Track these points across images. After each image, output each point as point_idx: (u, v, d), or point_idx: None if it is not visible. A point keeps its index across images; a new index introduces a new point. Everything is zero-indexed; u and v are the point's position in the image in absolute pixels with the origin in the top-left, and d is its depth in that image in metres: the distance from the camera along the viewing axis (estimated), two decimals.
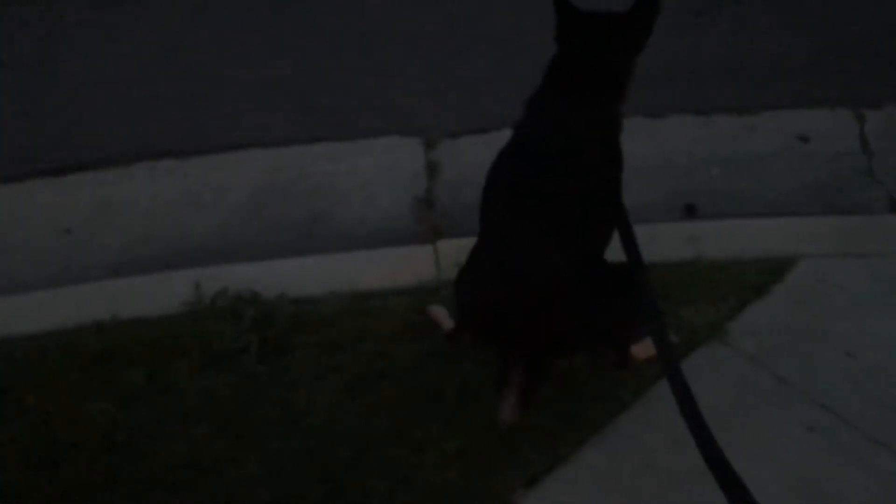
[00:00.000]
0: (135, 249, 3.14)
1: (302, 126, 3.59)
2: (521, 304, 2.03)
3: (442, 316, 2.56)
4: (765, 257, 2.75)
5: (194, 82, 3.79)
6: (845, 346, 2.47)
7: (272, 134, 3.55)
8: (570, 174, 2.16)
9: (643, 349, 2.41)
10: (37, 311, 2.69)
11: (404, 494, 2.16)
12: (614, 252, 2.10)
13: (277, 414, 2.35)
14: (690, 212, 3.17)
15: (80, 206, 3.30)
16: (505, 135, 2.21)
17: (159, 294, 2.74)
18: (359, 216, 3.27)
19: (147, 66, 3.87)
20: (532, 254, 2.05)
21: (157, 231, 3.21)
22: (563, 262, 2.04)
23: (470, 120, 3.53)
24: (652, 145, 3.42)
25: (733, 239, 2.85)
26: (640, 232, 2.77)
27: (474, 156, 2.86)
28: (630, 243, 2.10)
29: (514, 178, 2.18)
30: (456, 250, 2.49)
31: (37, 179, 3.37)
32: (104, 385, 2.42)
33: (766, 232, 2.87)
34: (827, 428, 2.27)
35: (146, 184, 3.38)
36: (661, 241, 2.84)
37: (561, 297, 2.02)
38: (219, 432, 2.31)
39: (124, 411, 2.37)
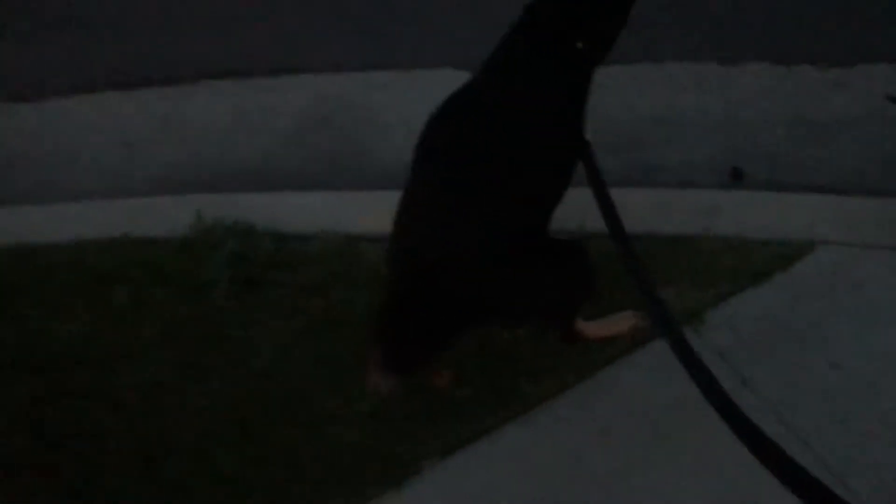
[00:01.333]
0: (183, 168, 3.30)
1: (359, 52, 3.56)
2: (424, 268, 1.95)
3: None
4: (778, 239, 2.44)
5: (260, 4, 3.84)
6: (833, 355, 2.17)
7: (329, 58, 3.55)
8: (513, 139, 2.02)
9: (597, 327, 2.27)
10: (62, 222, 2.91)
11: (311, 447, 2.19)
12: None
13: (230, 351, 2.43)
14: (737, 176, 2.86)
15: (143, 122, 3.50)
16: None
17: (171, 217, 2.86)
18: (399, 152, 3.22)
19: None
20: (448, 216, 1.94)
21: (207, 151, 3.35)
22: (477, 230, 1.93)
23: None
24: (717, 96, 3.11)
25: (752, 214, 2.55)
26: (650, 198, 2.61)
27: None
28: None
29: (452, 133, 2.06)
30: None
31: (107, 92, 3.60)
32: (92, 301, 2.60)
33: (789, 209, 2.54)
34: None
35: (204, 103, 3.52)
36: (672, 210, 2.62)
37: (467, 264, 1.93)
38: (176, 362, 2.43)
39: (103, 328, 2.54)
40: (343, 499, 2.09)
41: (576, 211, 2.53)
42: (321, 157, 3.25)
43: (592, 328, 2.27)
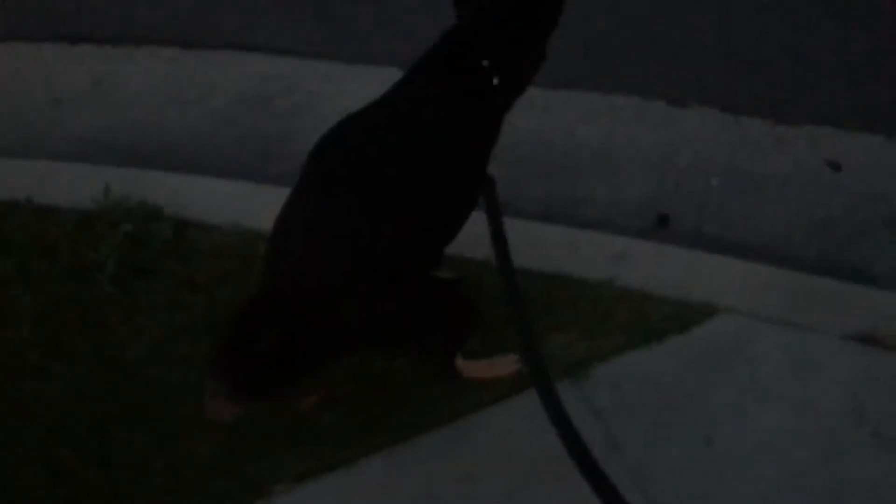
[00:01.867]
0: (107, 133, 3.20)
1: (310, 38, 3.45)
2: (289, 291, 1.87)
3: None
4: (681, 299, 2.36)
5: None
6: (709, 429, 2.11)
7: (279, 40, 3.44)
8: (408, 170, 1.94)
9: (476, 367, 2.20)
10: None
11: (162, 455, 2.11)
12: None
13: (103, 340, 2.35)
14: (662, 223, 2.78)
15: (76, 79, 3.39)
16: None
17: (78, 187, 2.77)
18: None
19: None
20: (321, 240, 1.86)
21: (135, 119, 3.25)
22: (351, 258, 1.86)
23: None
24: (657, 135, 3.01)
25: (660, 269, 2.46)
26: (562, 236, 2.52)
27: None
28: (500, 253, 1.93)
29: (344, 154, 1.98)
30: None
31: (47, 44, 3.48)
32: None
33: (699, 269, 2.46)
34: None
35: (144, 68, 3.41)
36: (581, 251, 2.54)
37: (334, 292, 1.86)
38: (44, 343, 2.35)
39: None
40: None
41: (484, 240, 2.47)
42: (252, 141, 3.16)
43: (471, 368, 2.20)
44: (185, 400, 2.18)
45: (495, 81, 2.00)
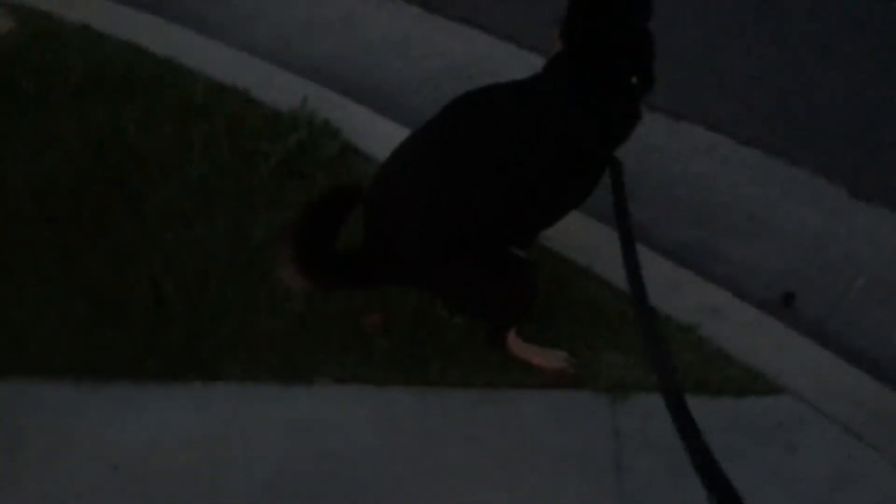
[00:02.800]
0: (339, 61, 3.62)
1: (531, 31, 3.63)
2: (383, 210, 2.07)
3: None
4: (752, 367, 2.31)
5: None
6: None
7: (503, 26, 3.67)
8: (522, 140, 2.10)
9: (525, 349, 2.31)
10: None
11: (233, 310, 2.43)
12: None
13: (241, 214, 2.71)
14: (787, 302, 2.69)
15: (332, 11, 3.84)
16: None
17: (286, 92, 3.19)
18: None
19: None
20: (429, 180, 2.03)
21: (364, 58, 3.64)
22: (449, 205, 2.02)
23: None
24: (822, 218, 2.89)
25: (749, 333, 2.42)
26: (671, 273, 2.55)
27: None
28: (629, 260, 1.99)
29: (478, 110, 2.16)
30: None
31: None
32: (179, 120, 2.98)
33: (790, 349, 2.38)
34: None
35: (388, 18, 3.82)
36: (681, 291, 2.55)
37: (420, 229, 2.02)
38: (203, 198, 2.78)
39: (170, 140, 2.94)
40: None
41: (590, 249, 2.56)
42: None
43: (521, 348, 2.30)
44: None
45: (634, 80, 2.11)
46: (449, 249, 2.02)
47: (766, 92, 3.29)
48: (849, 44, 3.43)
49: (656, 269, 2.60)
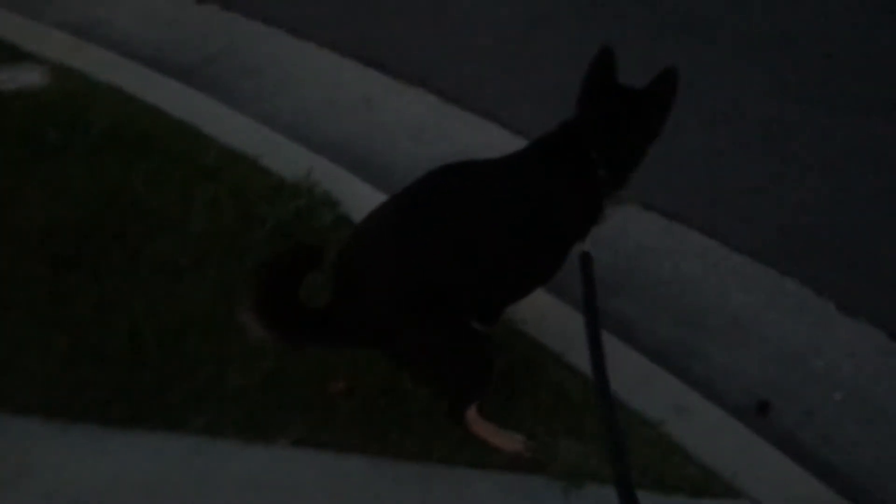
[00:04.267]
0: (353, 138, 3.75)
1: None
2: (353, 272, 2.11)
3: None
4: (711, 469, 2.30)
5: None
6: None
7: (520, 123, 3.79)
8: (493, 217, 2.16)
9: (484, 428, 2.32)
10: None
11: (206, 363, 2.48)
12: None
13: (229, 268, 2.78)
14: (761, 410, 2.68)
15: (355, 93, 3.99)
16: None
17: (295, 163, 3.29)
18: None
19: None
20: (406, 247, 2.06)
21: (378, 137, 3.77)
22: (422, 272, 2.05)
23: None
24: (806, 331, 2.90)
25: (713, 435, 2.41)
26: (643, 367, 2.56)
27: None
28: (595, 352, 2.04)
29: (450, 183, 2.22)
30: None
31: (347, 59, 4.15)
32: (183, 187, 3.12)
33: (754, 456, 2.36)
34: None
35: (406, 103, 3.96)
36: (650, 387, 2.55)
37: (389, 294, 2.05)
38: (195, 251, 2.87)
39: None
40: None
41: (566, 337, 2.59)
42: None
43: (480, 425, 2.31)
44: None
45: (601, 173, 2.18)
46: (410, 314, 2.05)
47: (763, 203, 3.34)
48: (852, 163, 3.48)
49: (631, 364, 2.63)
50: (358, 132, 3.78)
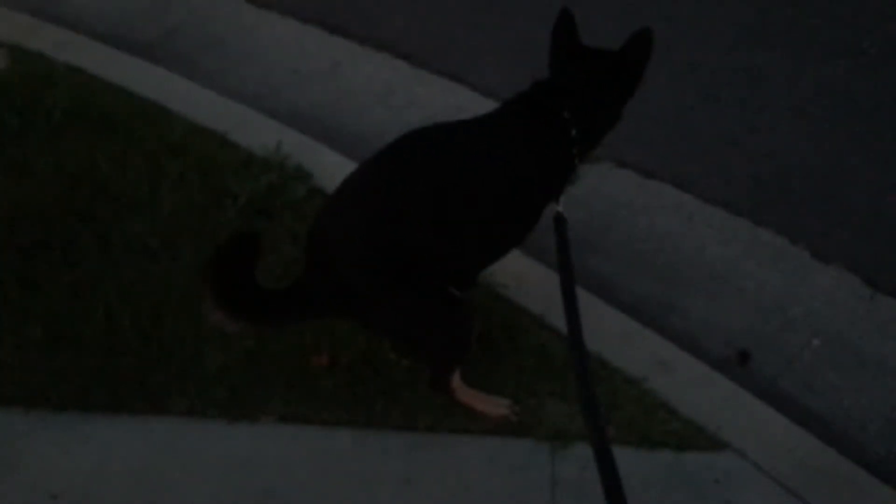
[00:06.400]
0: (320, 107, 3.70)
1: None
2: (323, 240, 2.10)
3: None
4: (695, 422, 2.32)
5: None
6: None
7: (491, 85, 3.74)
8: (465, 177, 2.13)
9: (470, 395, 2.32)
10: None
11: (181, 348, 2.46)
12: None
13: (202, 247, 2.74)
14: (741, 360, 2.70)
15: (322, 60, 3.93)
16: None
17: (263, 136, 3.24)
18: None
19: None
20: (371, 212, 2.05)
21: (352, 104, 3.72)
22: (388, 236, 2.03)
23: None
24: (783, 279, 2.91)
25: (697, 388, 2.43)
26: (623, 324, 2.56)
27: None
28: (569, 300, 1.99)
29: (420, 146, 2.19)
30: None
31: (310, 25, 4.09)
32: (151, 165, 3.06)
33: (737, 406, 2.39)
34: None
35: (374, 68, 3.90)
36: (631, 343, 2.56)
37: (358, 260, 2.04)
38: (167, 232, 2.83)
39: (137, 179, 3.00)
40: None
41: (545, 299, 2.58)
42: None
43: (465, 392, 2.31)
44: None
45: (573, 132, 2.16)
46: (384, 278, 2.04)
47: (735, 153, 3.34)
48: (822, 109, 3.48)
49: (610, 322, 2.64)
50: (326, 101, 3.72)
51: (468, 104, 3.58)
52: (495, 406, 2.31)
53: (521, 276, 2.69)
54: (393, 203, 2.05)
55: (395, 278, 2.04)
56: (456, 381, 2.29)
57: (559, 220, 2.21)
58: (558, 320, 2.56)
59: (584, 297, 2.13)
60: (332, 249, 2.06)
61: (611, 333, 2.57)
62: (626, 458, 2.10)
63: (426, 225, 2.06)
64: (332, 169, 3.07)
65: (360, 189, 2.11)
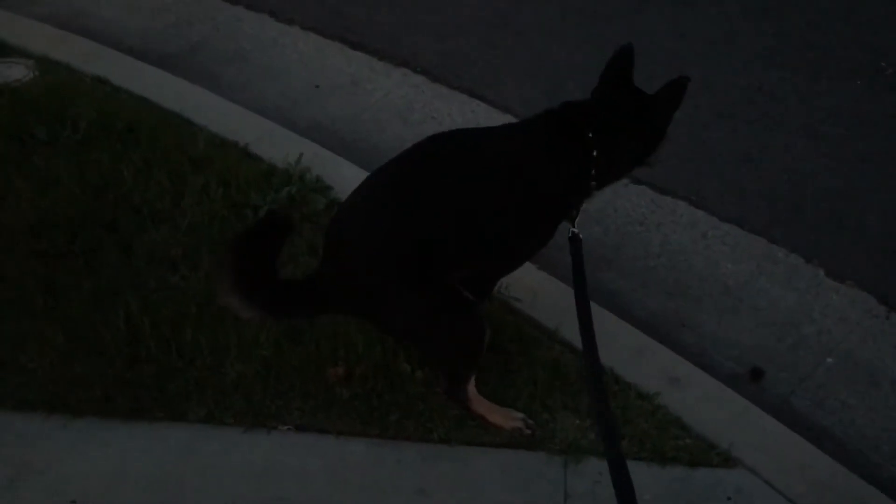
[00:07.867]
0: (340, 121, 3.75)
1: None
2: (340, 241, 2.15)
3: None
4: (707, 438, 2.33)
5: None
6: None
7: (505, 99, 3.79)
8: (483, 186, 2.16)
9: (484, 406, 2.34)
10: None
11: (202, 354, 2.50)
12: None
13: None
14: (754, 377, 2.71)
15: (342, 75, 3.98)
16: None
17: (284, 148, 3.28)
18: None
19: None
20: (392, 216, 2.09)
21: (367, 118, 3.79)
22: (406, 242, 2.07)
23: None
24: (797, 297, 2.95)
25: (709, 404, 2.43)
26: (635, 339, 2.58)
27: None
28: (582, 312, 2.03)
29: (441, 150, 2.23)
30: None
31: (334, 41, 4.15)
32: (174, 174, 3.12)
33: (749, 423, 2.40)
34: None
35: (394, 84, 3.97)
36: (643, 359, 2.57)
37: (374, 262, 2.08)
38: (189, 244, 2.87)
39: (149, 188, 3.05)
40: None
41: (559, 312, 2.61)
42: None
43: (480, 403, 2.34)
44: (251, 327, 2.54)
45: (594, 153, 2.19)
46: (400, 279, 2.08)
47: (750, 171, 3.36)
48: (836, 128, 3.50)
49: (623, 337, 2.65)
50: (346, 115, 3.77)
51: (486, 119, 3.63)
52: (509, 418, 2.34)
53: (535, 289, 2.72)
54: (410, 201, 2.09)
55: (409, 278, 2.08)
56: (471, 391, 2.32)
57: (574, 240, 2.24)
58: (572, 334, 2.59)
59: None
60: (350, 248, 2.12)
61: (624, 349, 2.58)
62: (638, 473, 2.12)
63: (443, 224, 2.10)
64: (352, 182, 3.06)
65: (378, 188, 2.16)
